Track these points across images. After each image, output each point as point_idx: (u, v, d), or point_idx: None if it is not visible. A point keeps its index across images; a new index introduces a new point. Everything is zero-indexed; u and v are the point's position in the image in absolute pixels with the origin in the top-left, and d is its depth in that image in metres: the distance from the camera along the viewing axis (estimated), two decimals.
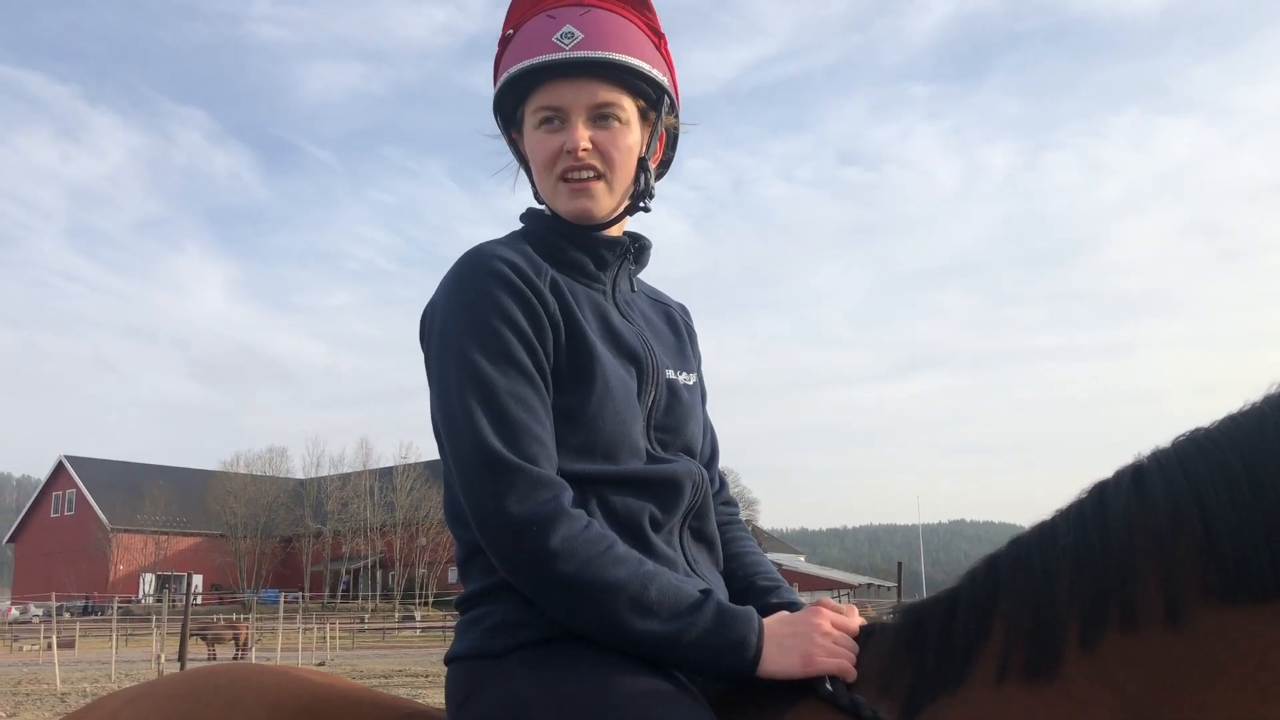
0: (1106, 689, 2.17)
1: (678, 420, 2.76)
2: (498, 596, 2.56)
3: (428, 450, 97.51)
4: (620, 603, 2.38)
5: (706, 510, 2.76)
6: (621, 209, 2.78)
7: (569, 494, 2.46)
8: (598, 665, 2.42)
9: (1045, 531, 2.35)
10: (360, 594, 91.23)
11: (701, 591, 2.46)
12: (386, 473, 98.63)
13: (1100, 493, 2.31)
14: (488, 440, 2.44)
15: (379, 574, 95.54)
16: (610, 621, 2.39)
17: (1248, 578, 2.09)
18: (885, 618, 2.55)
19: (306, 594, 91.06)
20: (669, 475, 2.65)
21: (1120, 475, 2.30)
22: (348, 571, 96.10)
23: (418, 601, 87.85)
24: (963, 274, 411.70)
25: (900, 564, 37.72)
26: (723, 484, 3.08)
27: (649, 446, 2.68)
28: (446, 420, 2.52)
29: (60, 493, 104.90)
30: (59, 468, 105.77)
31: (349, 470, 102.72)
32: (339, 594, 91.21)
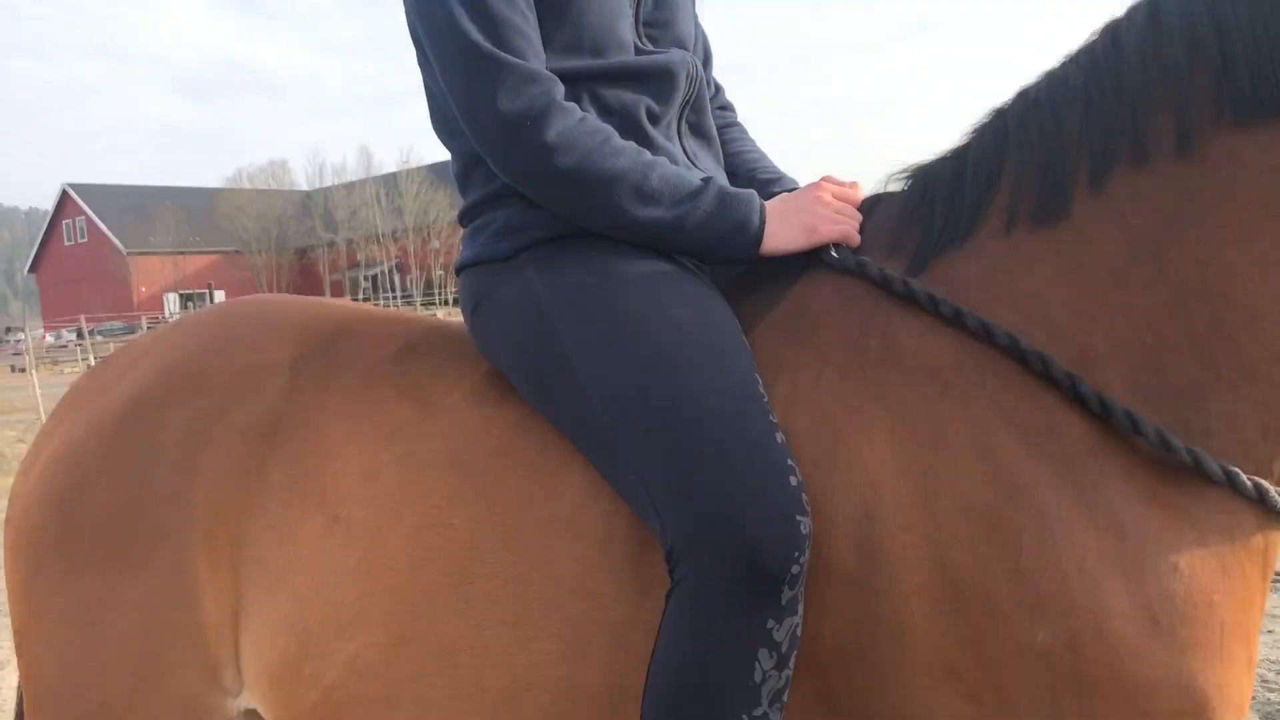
0: (1114, 226, 2.19)
1: (668, 14, 2.67)
2: (500, 202, 2.55)
3: (430, 154, 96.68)
4: (622, 192, 2.37)
5: (703, 105, 2.64)
6: None
7: (560, 88, 2.41)
8: (605, 256, 2.44)
9: (1054, 78, 2.32)
10: (381, 298, 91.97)
11: (702, 179, 2.45)
12: (391, 179, 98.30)
13: (1113, 32, 2.27)
14: (471, 37, 2.37)
15: (397, 278, 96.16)
16: (613, 211, 2.39)
17: (1262, 95, 2.08)
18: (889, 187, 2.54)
19: None
20: (663, 65, 2.59)
21: (1133, 12, 2.25)
22: (366, 278, 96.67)
23: (437, 302, 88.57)
24: None
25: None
26: (719, 89, 3.00)
27: (638, 41, 2.60)
28: (426, 22, 2.45)
29: (70, 221, 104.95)
30: (64, 197, 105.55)
31: (353, 179, 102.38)
32: (360, 300, 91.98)
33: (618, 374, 2.32)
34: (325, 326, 2.74)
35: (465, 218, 2.65)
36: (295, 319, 2.76)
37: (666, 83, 2.54)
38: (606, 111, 2.49)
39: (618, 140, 2.42)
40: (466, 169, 2.61)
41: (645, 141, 2.53)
